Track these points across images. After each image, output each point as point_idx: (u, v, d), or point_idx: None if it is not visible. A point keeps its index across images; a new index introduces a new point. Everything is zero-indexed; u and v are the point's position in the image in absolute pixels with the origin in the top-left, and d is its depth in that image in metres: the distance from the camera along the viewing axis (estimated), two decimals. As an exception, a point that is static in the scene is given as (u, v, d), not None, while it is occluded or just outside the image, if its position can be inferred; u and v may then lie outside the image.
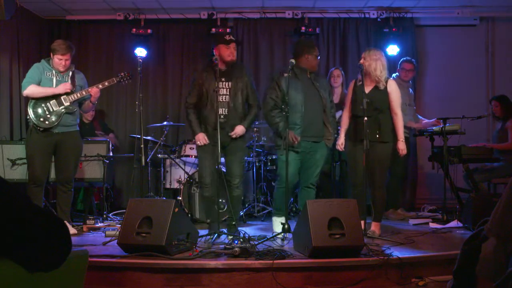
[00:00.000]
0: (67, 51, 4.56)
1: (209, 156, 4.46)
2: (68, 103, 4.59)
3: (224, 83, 4.44)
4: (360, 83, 4.42)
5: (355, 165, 4.47)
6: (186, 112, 4.57)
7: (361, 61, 4.47)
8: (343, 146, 4.56)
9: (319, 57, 4.65)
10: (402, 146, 4.46)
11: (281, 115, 4.39)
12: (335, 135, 4.77)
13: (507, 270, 1.87)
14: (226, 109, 4.42)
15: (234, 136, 4.44)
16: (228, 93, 4.44)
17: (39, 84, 4.56)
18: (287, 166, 4.25)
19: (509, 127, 5.62)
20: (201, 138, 4.43)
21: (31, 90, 4.53)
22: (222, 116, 4.35)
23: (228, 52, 4.43)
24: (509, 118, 5.68)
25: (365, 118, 4.21)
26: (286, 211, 4.39)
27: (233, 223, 4.46)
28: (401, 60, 5.92)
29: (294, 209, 5.72)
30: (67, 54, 4.57)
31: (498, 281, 1.86)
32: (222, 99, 4.40)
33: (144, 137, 4.59)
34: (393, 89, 4.49)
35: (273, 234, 4.28)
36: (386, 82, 4.48)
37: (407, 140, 5.68)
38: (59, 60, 4.56)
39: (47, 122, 4.53)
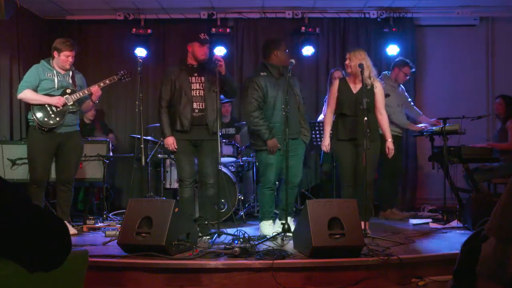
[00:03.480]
0: (73, 48, 4.59)
1: (186, 156, 4.46)
2: (71, 103, 4.60)
3: (196, 77, 4.46)
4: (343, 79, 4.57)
5: (346, 165, 4.50)
6: (159, 111, 4.51)
7: (347, 61, 4.53)
8: (329, 147, 4.56)
9: (287, 50, 4.60)
10: (391, 146, 4.52)
11: (264, 116, 4.44)
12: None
13: (507, 269, 1.87)
14: (202, 103, 4.43)
15: (221, 65, 4.32)
16: (202, 88, 4.45)
17: (36, 87, 4.53)
18: (287, 166, 4.25)
19: (509, 127, 5.62)
20: (171, 143, 4.40)
21: (26, 95, 4.52)
22: (197, 111, 4.40)
23: (202, 52, 4.46)
24: (509, 118, 5.68)
25: (365, 118, 4.21)
26: (286, 211, 4.39)
27: (205, 223, 4.45)
28: (402, 62, 5.74)
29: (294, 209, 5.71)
30: (73, 51, 4.59)
31: (505, 278, 1.86)
32: (196, 93, 4.43)
33: (144, 137, 4.59)
34: (379, 90, 4.58)
35: (273, 234, 4.28)
36: (373, 81, 4.53)
37: (399, 139, 5.72)
38: (66, 58, 4.56)
39: (51, 122, 4.52)
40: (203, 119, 4.42)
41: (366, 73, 4.42)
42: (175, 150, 4.42)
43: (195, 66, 4.48)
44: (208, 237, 4.16)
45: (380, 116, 4.58)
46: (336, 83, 4.68)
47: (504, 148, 5.58)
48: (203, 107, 4.43)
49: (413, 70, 5.90)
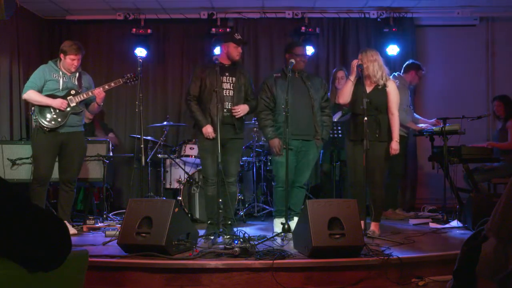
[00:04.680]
0: (79, 52, 4.60)
1: (211, 154, 4.48)
2: (74, 104, 4.61)
3: (228, 77, 4.50)
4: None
5: (355, 165, 4.49)
6: (188, 104, 4.53)
7: (358, 62, 4.48)
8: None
9: (304, 56, 4.65)
10: (395, 146, 4.47)
11: (270, 117, 4.55)
12: (331, 135, 4.87)
13: (507, 269, 1.87)
14: (231, 104, 4.47)
15: (237, 113, 4.42)
16: (232, 88, 4.50)
17: (41, 88, 4.56)
18: (287, 166, 4.26)
19: (509, 127, 5.62)
20: (210, 131, 4.40)
21: (29, 96, 4.55)
22: (226, 110, 4.43)
23: (237, 52, 4.52)
24: (509, 118, 5.68)
25: (365, 118, 4.21)
26: (286, 211, 4.39)
27: (229, 222, 4.46)
28: (418, 66, 5.81)
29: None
30: (79, 54, 4.61)
31: (499, 276, 1.86)
32: (226, 93, 4.47)
33: (144, 137, 4.59)
34: (392, 89, 4.50)
35: (273, 234, 4.28)
36: (386, 81, 4.49)
37: (405, 139, 5.72)
38: (72, 61, 4.58)
39: (53, 123, 4.54)
40: (231, 119, 4.46)
41: (378, 74, 4.42)
42: (214, 136, 4.37)
43: (226, 66, 4.50)
44: (228, 236, 4.11)
45: (391, 116, 4.51)
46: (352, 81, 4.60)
47: (504, 147, 5.58)
48: (230, 107, 4.47)
49: (424, 72, 5.92)
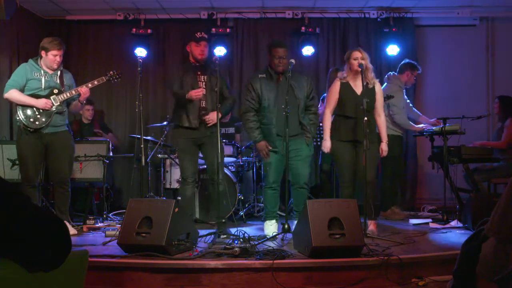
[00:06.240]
0: (60, 47, 4.55)
1: (189, 155, 4.51)
2: (58, 103, 4.55)
3: (200, 76, 4.52)
4: (344, 80, 4.57)
5: (346, 165, 4.52)
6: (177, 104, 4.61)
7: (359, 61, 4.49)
8: (330, 149, 4.53)
9: (285, 58, 4.50)
10: (385, 148, 4.55)
11: (255, 118, 4.48)
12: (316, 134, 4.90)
13: (507, 269, 1.87)
14: (204, 102, 4.48)
15: (210, 123, 4.45)
16: (204, 86, 4.50)
17: (23, 87, 4.50)
18: (287, 167, 4.26)
19: (506, 126, 5.63)
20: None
21: (11, 95, 4.47)
22: (201, 109, 4.45)
23: (198, 51, 4.50)
24: (507, 117, 5.69)
25: (365, 118, 4.21)
26: (286, 211, 4.39)
27: (223, 220, 4.46)
28: (414, 66, 5.78)
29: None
30: (61, 50, 4.56)
31: (498, 276, 1.86)
32: None
33: (144, 137, 4.59)
34: (379, 90, 4.59)
35: (273, 234, 4.28)
36: (374, 82, 4.56)
37: (400, 139, 5.73)
38: (54, 57, 4.52)
39: (37, 123, 4.48)
40: (205, 116, 4.46)
41: (369, 75, 4.43)
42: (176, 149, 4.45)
43: (197, 65, 4.52)
44: (225, 235, 4.11)
45: (378, 118, 4.58)
46: (337, 84, 4.63)
47: (497, 146, 5.59)
48: (205, 105, 4.47)
49: (420, 71, 5.91)
